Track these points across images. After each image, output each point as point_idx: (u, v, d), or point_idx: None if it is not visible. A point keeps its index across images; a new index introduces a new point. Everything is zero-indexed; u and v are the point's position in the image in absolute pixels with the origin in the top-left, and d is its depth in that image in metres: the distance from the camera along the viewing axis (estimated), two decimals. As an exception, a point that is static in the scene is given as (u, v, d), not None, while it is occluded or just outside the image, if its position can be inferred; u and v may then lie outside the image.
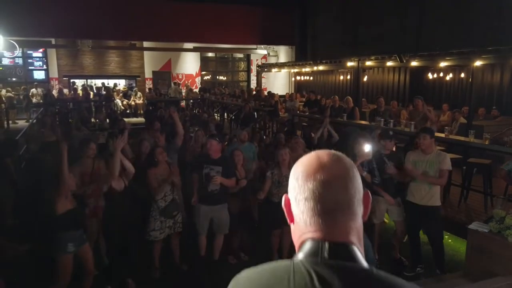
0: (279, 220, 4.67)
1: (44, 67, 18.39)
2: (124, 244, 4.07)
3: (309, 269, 0.77)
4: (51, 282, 3.49)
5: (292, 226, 0.89)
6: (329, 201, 0.82)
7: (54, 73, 18.20)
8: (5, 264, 3.99)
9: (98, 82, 18.58)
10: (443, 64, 8.82)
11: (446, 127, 6.89)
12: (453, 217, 5.38)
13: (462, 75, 9.07)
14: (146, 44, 18.26)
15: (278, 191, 4.61)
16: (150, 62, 19.26)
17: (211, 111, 15.52)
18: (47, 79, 18.16)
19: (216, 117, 15.70)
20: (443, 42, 9.46)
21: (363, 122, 8.12)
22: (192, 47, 18.99)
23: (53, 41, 17.16)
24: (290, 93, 15.98)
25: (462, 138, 6.15)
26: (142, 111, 16.62)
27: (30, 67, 18.31)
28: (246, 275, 0.85)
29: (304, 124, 9.93)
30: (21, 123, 13.90)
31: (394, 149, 5.01)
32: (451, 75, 9.52)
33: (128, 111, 17.13)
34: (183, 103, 17.06)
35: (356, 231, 0.84)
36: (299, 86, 17.59)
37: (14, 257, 4.07)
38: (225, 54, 21.63)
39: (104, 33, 15.62)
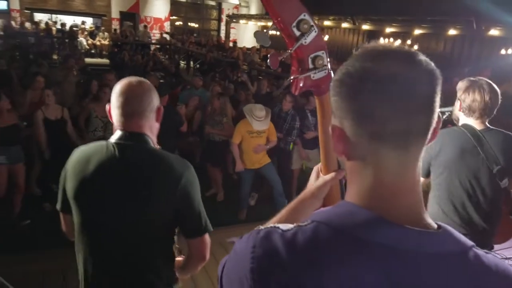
0: (217, 158, 5.28)
1: (5, -4, 17.59)
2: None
3: (114, 145, 1.38)
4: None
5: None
6: (128, 109, 1.39)
7: (15, 4, 17.47)
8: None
9: (63, 18, 18.03)
10: (389, 29, 9.38)
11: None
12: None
13: (409, 42, 9.69)
14: (114, -18, 17.70)
15: (212, 128, 5.21)
16: (117, 2, 18.73)
17: (176, 57, 15.65)
18: (9, 10, 17.44)
19: (182, 64, 15.88)
20: (398, 9, 9.95)
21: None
22: (162, -11, 18.59)
23: (14, -31, 16.36)
24: (257, 47, 16.20)
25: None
26: (107, 52, 16.47)
27: (-12, -4, 17.46)
28: (80, 149, 1.45)
29: (260, 77, 10.42)
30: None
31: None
32: (399, 41, 10.11)
33: (93, 51, 16.93)
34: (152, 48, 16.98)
35: (148, 127, 1.44)
36: (266, 40, 17.73)
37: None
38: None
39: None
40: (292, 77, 0.89)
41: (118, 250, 1.39)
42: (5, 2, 17.57)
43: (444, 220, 2.07)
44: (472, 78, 2.13)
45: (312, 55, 0.88)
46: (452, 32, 8.17)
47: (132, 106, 1.38)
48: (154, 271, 1.43)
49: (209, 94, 6.64)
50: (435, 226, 0.64)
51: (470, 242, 0.63)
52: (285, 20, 0.85)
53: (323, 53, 0.89)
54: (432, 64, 0.64)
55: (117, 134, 1.40)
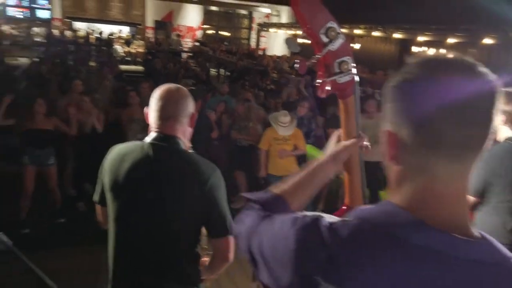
0: (243, 163, 5.35)
1: (48, 6, 18.59)
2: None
3: (149, 145, 1.48)
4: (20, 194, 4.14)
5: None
6: (165, 113, 1.49)
7: (57, 14, 18.42)
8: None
9: (100, 27, 18.84)
10: (422, 38, 9.21)
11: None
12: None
13: (442, 50, 9.46)
14: (149, -8, 18.35)
15: (239, 134, 5.31)
16: (152, 11, 19.37)
17: (207, 65, 15.94)
18: (51, 19, 18.41)
19: (213, 72, 16.17)
20: (431, 17, 9.76)
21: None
22: (195, -1, 19.06)
23: (57, -20, 17.28)
24: (287, 55, 16.29)
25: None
26: (141, 59, 16.98)
27: (33, 5, 18.52)
28: (118, 147, 1.55)
29: (289, 85, 10.46)
30: (23, 60, 14.35)
31: None
32: (432, 50, 9.89)
33: (128, 58, 17.52)
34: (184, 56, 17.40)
35: (181, 131, 1.52)
36: (296, 48, 17.78)
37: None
38: (229, 9, 21.61)
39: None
40: (319, 81, 0.95)
41: (145, 247, 1.46)
42: (48, 12, 18.58)
43: (505, 234, 2.08)
44: (507, 89, 2.10)
45: (338, 60, 0.94)
46: (487, 41, 7.94)
47: (168, 110, 1.48)
48: (179, 270, 1.49)
49: (234, 100, 6.78)
50: (478, 235, 0.64)
51: (510, 254, 0.64)
52: (314, 27, 0.91)
53: (348, 58, 0.95)
54: (493, 76, 0.64)
55: (152, 135, 1.49)
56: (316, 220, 0.68)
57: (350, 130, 1.02)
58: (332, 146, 1.05)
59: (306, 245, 0.66)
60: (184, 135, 1.53)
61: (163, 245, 1.46)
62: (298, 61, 0.94)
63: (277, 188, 0.92)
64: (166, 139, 1.47)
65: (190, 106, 1.53)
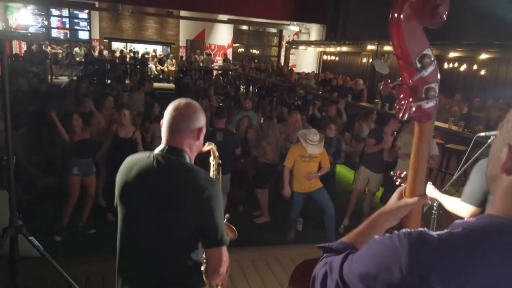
0: (264, 180, 5.39)
1: (88, 28, 19.69)
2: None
3: (155, 156, 1.55)
4: (65, 202, 4.37)
5: None
6: (173, 126, 1.55)
7: (95, 35, 19.41)
8: (37, 190, 5.03)
9: (136, 46, 19.67)
10: (453, 54, 9.03)
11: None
12: (426, 195, 5.91)
13: (475, 67, 9.23)
14: (182, 13, 18.98)
15: (256, 151, 5.37)
16: (185, 31, 20.04)
17: (236, 82, 16.26)
18: (90, 39, 19.45)
19: (242, 89, 16.45)
20: (461, 33, 9.58)
21: (363, 104, 8.61)
22: (226, 19, 19.53)
23: (96, 4, 18.23)
24: (316, 72, 16.36)
25: (445, 125, 6.58)
26: (173, 77, 17.53)
27: (75, 27, 19.67)
28: (129, 157, 1.63)
29: (316, 101, 10.46)
30: (63, 78, 15.15)
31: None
32: (464, 66, 9.66)
33: (161, 77, 18.13)
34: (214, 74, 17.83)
35: (187, 144, 1.57)
36: (325, 66, 17.85)
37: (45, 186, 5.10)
38: (259, 27, 22.01)
39: (144, -1, 16.43)
40: (403, 103, 0.94)
41: (145, 253, 1.53)
42: (87, 33, 19.64)
43: None
44: None
45: (426, 86, 0.94)
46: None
47: (176, 123, 1.54)
48: (180, 275, 1.54)
49: (256, 116, 6.87)
50: None
51: None
52: (411, 52, 0.92)
53: (435, 85, 0.96)
54: None
55: (160, 147, 1.56)
56: (422, 234, 0.73)
57: (421, 153, 1.02)
58: (393, 201, 1.07)
59: (421, 257, 0.70)
60: (190, 148, 1.58)
61: (162, 252, 1.51)
62: (382, 82, 0.95)
63: (345, 238, 1.02)
64: (171, 151, 1.53)
65: (199, 121, 1.58)
